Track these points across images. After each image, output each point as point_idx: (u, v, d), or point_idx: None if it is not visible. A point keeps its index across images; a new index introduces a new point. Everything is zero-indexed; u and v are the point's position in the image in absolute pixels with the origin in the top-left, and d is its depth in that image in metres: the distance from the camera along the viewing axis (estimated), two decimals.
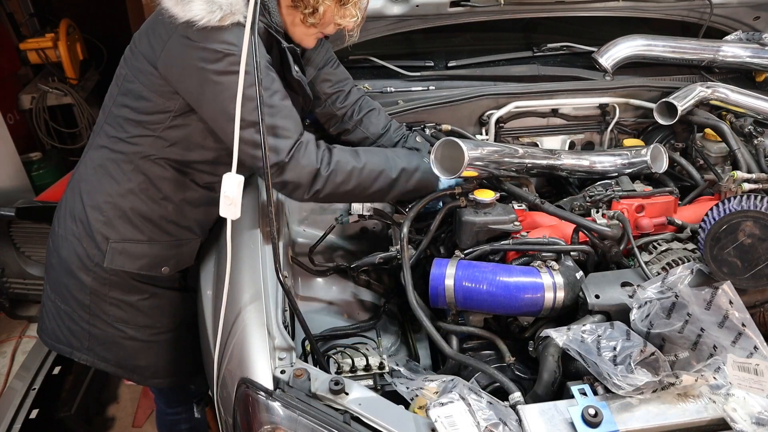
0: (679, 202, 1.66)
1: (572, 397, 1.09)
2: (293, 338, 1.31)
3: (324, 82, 1.70)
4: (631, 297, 1.25)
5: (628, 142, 1.97)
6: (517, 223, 1.47)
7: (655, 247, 1.47)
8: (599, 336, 1.14)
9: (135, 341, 1.61)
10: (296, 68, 1.44)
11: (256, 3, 1.18)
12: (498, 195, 1.52)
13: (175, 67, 1.30)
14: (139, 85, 1.37)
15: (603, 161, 1.71)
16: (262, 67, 1.23)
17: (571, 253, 1.42)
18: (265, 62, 1.30)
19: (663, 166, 1.71)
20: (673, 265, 1.38)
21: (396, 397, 1.17)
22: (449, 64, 2.16)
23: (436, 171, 1.51)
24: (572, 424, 1.03)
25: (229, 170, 1.21)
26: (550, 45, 2.26)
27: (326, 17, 1.40)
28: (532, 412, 1.07)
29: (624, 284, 1.30)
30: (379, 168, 1.44)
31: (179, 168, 1.45)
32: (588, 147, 2.08)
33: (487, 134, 1.93)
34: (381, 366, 1.41)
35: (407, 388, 1.20)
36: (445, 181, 1.53)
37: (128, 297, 1.56)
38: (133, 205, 1.46)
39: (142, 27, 1.39)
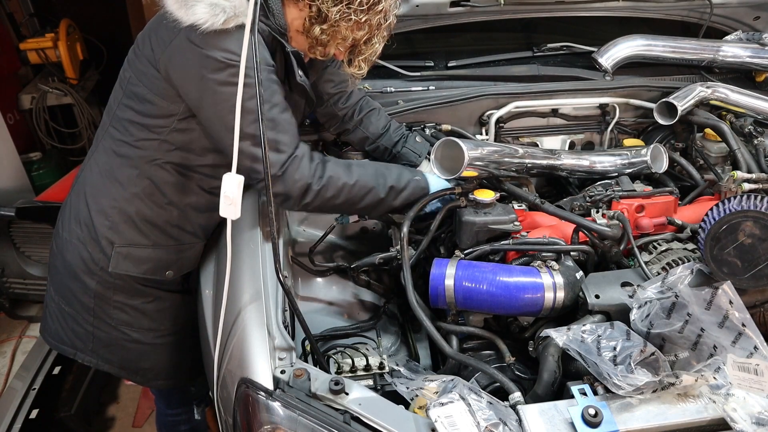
0: (679, 202, 1.66)
1: (572, 397, 1.09)
2: (293, 338, 1.31)
3: (327, 83, 1.70)
4: (631, 297, 1.25)
5: (628, 142, 1.97)
6: (517, 223, 1.47)
7: (655, 247, 1.47)
8: (599, 336, 1.14)
9: (138, 344, 1.61)
10: (300, 73, 1.43)
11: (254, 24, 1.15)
12: (498, 195, 1.52)
13: (178, 69, 1.29)
14: (143, 88, 1.36)
15: (603, 161, 1.71)
16: (263, 79, 1.22)
17: (571, 253, 1.42)
18: (266, 73, 1.29)
19: (663, 166, 1.71)
20: (673, 265, 1.38)
21: (396, 397, 1.17)
22: (449, 64, 2.16)
23: (436, 171, 1.52)
24: (572, 424, 1.03)
25: None
26: (550, 45, 2.26)
27: (331, 53, 1.41)
28: (532, 412, 1.07)
29: (624, 284, 1.30)
30: (369, 186, 1.44)
31: (184, 172, 1.45)
32: (588, 147, 2.08)
33: (487, 134, 1.93)
34: (381, 366, 1.41)
35: (407, 388, 1.20)
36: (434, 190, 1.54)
37: (132, 300, 1.56)
38: (138, 210, 1.46)
39: (144, 29, 1.38)
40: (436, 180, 1.56)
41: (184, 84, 1.30)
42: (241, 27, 1.24)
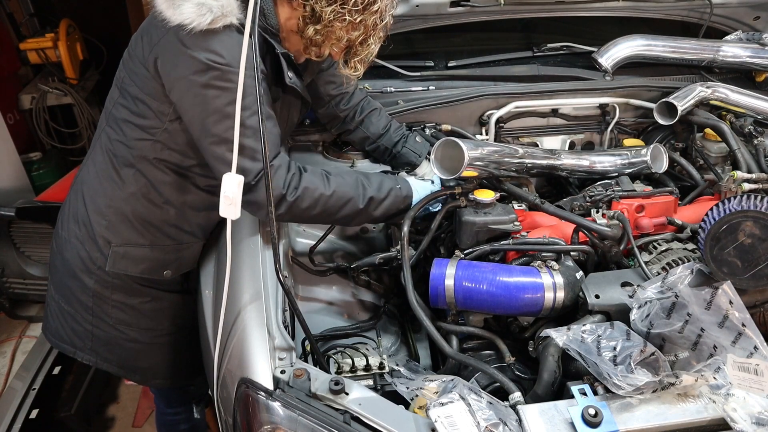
0: (679, 202, 1.66)
1: (572, 397, 1.09)
2: (293, 338, 1.31)
3: (328, 84, 1.69)
4: (631, 297, 1.25)
5: (628, 142, 1.97)
6: (517, 223, 1.47)
7: (655, 247, 1.47)
8: (599, 336, 1.14)
9: (137, 343, 1.62)
10: (290, 74, 1.41)
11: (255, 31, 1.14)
12: (498, 195, 1.52)
13: (164, 69, 1.28)
14: (136, 89, 1.36)
15: (603, 161, 1.71)
16: (247, 85, 1.18)
17: (571, 253, 1.42)
18: (251, 79, 1.22)
19: (663, 166, 1.71)
20: (673, 265, 1.38)
21: (396, 397, 1.17)
22: (449, 64, 2.16)
23: (436, 171, 1.51)
24: (572, 424, 1.03)
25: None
26: (550, 45, 2.26)
27: (326, 54, 1.39)
28: (532, 412, 1.07)
29: (624, 284, 1.30)
30: (348, 196, 1.42)
31: (179, 172, 1.44)
32: (588, 147, 2.08)
33: (487, 134, 1.93)
34: (381, 366, 1.41)
35: (407, 388, 1.20)
36: (417, 197, 1.53)
37: (130, 300, 1.56)
38: (134, 209, 1.46)
39: (138, 30, 1.38)
40: (421, 186, 1.54)
41: (170, 83, 1.29)
42: (229, 27, 1.23)
